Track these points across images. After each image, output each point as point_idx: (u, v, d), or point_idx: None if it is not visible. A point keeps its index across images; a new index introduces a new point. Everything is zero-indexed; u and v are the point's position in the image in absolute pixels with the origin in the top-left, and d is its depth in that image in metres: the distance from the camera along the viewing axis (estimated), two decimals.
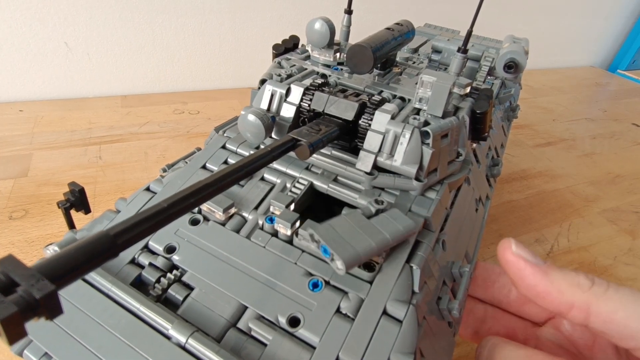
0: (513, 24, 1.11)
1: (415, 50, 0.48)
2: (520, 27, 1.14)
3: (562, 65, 1.29)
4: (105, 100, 0.74)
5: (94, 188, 0.52)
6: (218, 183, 0.17)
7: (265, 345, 0.20)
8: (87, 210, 0.26)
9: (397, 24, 0.32)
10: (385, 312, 0.20)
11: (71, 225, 0.26)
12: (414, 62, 0.42)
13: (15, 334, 0.10)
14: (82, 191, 0.25)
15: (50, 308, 0.11)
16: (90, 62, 0.72)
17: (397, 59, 0.42)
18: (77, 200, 0.25)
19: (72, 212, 0.26)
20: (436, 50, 0.36)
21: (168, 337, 0.19)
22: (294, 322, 0.20)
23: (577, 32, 1.26)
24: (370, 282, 0.22)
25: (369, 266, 0.22)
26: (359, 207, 0.25)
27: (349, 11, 0.36)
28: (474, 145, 0.35)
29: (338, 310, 0.21)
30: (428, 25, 0.64)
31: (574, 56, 1.31)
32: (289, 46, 0.35)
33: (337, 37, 0.35)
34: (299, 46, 0.36)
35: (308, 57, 0.34)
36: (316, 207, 0.29)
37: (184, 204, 0.15)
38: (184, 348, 0.19)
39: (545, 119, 0.90)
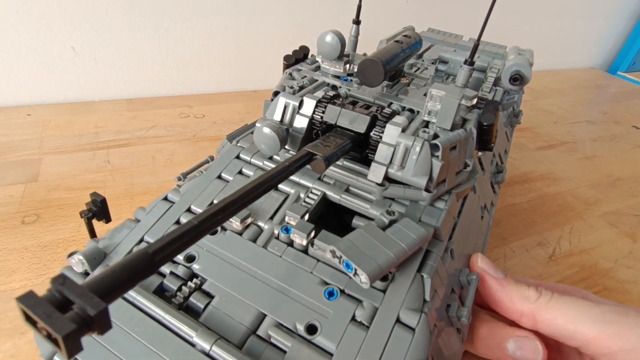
0: (514, 26, 1.12)
1: (420, 56, 0.49)
2: (522, 29, 1.14)
3: (562, 66, 1.30)
4: (112, 104, 0.74)
5: (103, 192, 0.52)
6: (243, 199, 0.18)
7: (285, 352, 0.21)
8: (107, 219, 0.27)
9: (405, 36, 0.33)
10: (398, 320, 0.21)
11: (92, 234, 0.27)
12: (419, 69, 0.43)
13: (73, 348, 0.11)
14: (104, 201, 0.26)
15: (103, 323, 0.11)
16: (96, 66, 0.73)
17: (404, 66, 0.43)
18: (98, 209, 0.26)
19: (95, 220, 0.27)
20: (443, 61, 0.37)
21: (192, 344, 0.20)
22: (311, 329, 0.21)
23: (577, 33, 1.27)
24: (384, 291, 0.22)
25: (382, 276, 0.23)
26: (373, 217, 0.26)
27: (357, 21, 0.37)
28: (480, 153, 0.36)
29: (353, 319, 0.22)
30: (431, 30, 0.65)
31: (575, 57, 1.32)
32: (299, 57, 0.36)
33: (346, 47, 0.36)
34: (309, 56, 0.37)
35: (318, 68, 0.35)
36: (327, 215, 0.30)
37: (212, 220, 0.16)
38: (208, 355, 0.20)
39: (546, 121, 0.91)
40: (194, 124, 0.71)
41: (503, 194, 0.63)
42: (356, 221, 0.27)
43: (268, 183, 0.20)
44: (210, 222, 0.16)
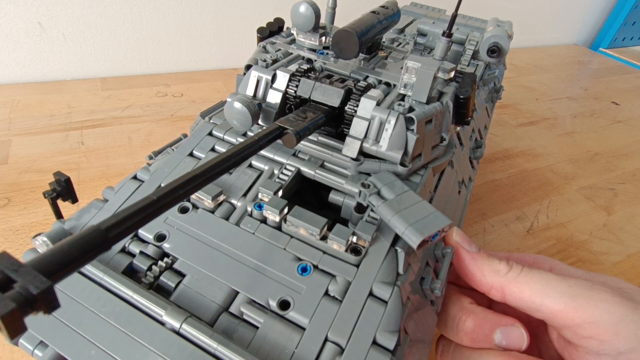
0: (498, 1, 1.11)
1: (402, 31, 0.48)
2: (505, 5, 1.13)
3: (545, 43, 1.30)
4: (85, 83, 0.71)
5: (77, 175, 0.51)
6: (206, 174, 0.17)
7: (257, 328, 0.21)
8: (74, 199, 0.26)
9: (383, 6, 0.32)
10: (371, 294, 0.21)
11: (58, 215, 0.26)
12: (400, 44, 0.42)
13: (15, 329, 0.10)
14: (68, 180, 0.25)
15: (48, 302, 0.11)
16: (66, 42, 0.70)
17: (384, 40, 0.42)
18: (63, 189, 0.25)
19: (59, 201, 0.26)
20: (421, 34, 0.36)
21: (162, 323, 0.20)
22: (284, 305, 0.21)
23: (560, 10, 1.26)
24: (357, 266, 0.22)
25: (355, 250, 0.23)
26: (348, 193, 0.26)
27: None
28: (458, 128, 0.36)
29: (326, 293, 0.21)
30: (414, 4, 0.63)
31: (557, 34, 1.32)
32: (273, 29, 0.34)
33: (323, 20, 0.35)
34: (284, 29, 0.36)
35: (293, 41, 0.34)
36: (304, 190, 0.30)
37: (173, 195, 0.16)
38: (178, 333, 0.19)
39: (528, 98, 0.91)
40: (171, 103, 0.69)
41: (484, 170, 0.64)
42: (333, 195, 0.27)
43: (235, 157, 0.19)
44: (171, 197, 0.15)
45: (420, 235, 0.21)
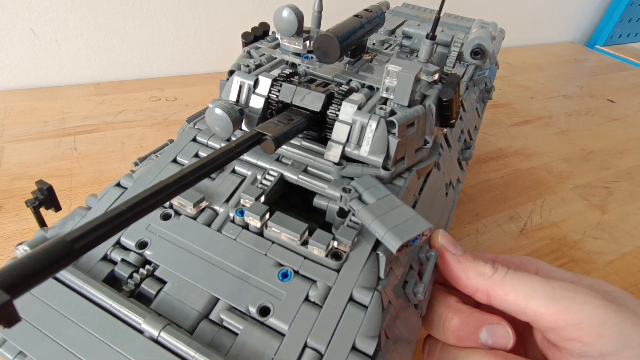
0: (492, 1, 1.11)
1: (392, 32, 0.48)
2: (499, 4, 1.13)
3: (540, 41, 1.29)
4: (78, 89, 0.72)
5: (70, 181, 0.51)
6: (180, 182, 0.17)
7: (237, 334, 0.20)
8: (57, 207, 0.26)
9: (366, 10, 0.32)
10: (351, 299, 0.21)
11: (42, 223, 0.26)
12: (390, 46, 0.42)
13: None
14: (50, 189, 0.25)
15: (6, 317, 0.11)
16: (59, 48, 0.70)
17: (374, 42, 0.42)
18: (46, 198, 0.25)
19: (43, 209, 0.26)
20: (407, 36, 0.36)
21: (141, 332, 0.20)
22: (264, 311, 0.21)
23: (555, 7, 1.26)
24: (338, 271, 0.22)
25: (336, 255, 0.23)
26: (331, 197, 0.26)
27: None
28: (445, 130, 0.36)
29: (306, 299, 0.21)
30: (406, 5, 0.63)
31: (553, 32, 1.32)
32: (258, 34, 0.34)
33: (309, 23, 0.35)
34: (270, 34, 0.36)
35: (278, 45, 0.34)
36: (289, 195, 0.30)
37: (143, 205, 0.16)
38: (156, 341, 0.19)
39: (523, 97, 0.91)
40: (165, 108, 0.69)
41: (477, 170, 0.64)
42: (317, 200, 0.27)
43: (210, 165, 0.19)
44: (141, 207, 0.15)
45: (399, 239, 0.21)
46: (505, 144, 0.72)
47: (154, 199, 0.16)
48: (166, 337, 0.19)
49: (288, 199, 0.30)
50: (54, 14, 0.66)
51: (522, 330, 0.28)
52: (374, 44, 0.42)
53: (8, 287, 0.11)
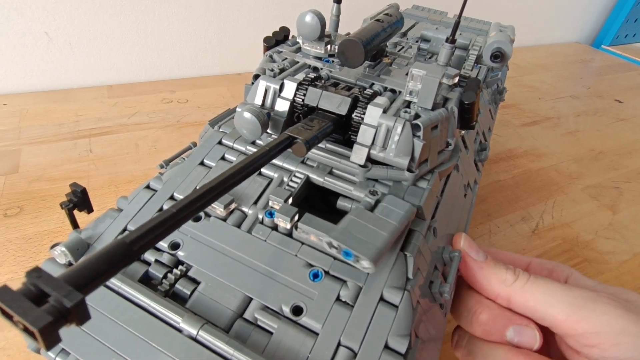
0: (498, 1, 1.11)
1: (404, 34, 0.48)
2: (506, 5, 1.13)
3: (547, 42, 1.30)
4: (91, 91, 0.72)
5: (87, 182, 0.52)
6: (222, 186, 0.18)
7: (271, 333, 0.21)
8: (89, 210, 0.26)
9: (386, 14, 0.33)
10: (382, 299, 0.22)
11: (75, 225, 0.26)
12: (403, 48, 0.42)
13: (51, 341, 0.11)
14: (84, 191, 0.25)
15: (80, 315, 0.12)
16: (72, 52, 0.71)
17: (387, 45, 0.43)
18: (79, 200, 0.25)
19: (76, 211, 0.27)
20: (425, 39, 0.37)
21: (179, 330, 0.20)
22: (297, 311, 0.22)
23: (562, 8, 1.26)
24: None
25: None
26: (357, 199, 0.27)
27: (338, 0, 0.36)
28: (463, 132, 0.36)
29: (338, 299, 0.22)
30: (416, 7, 0.64)
31: (559, 32, 1.32)
32: (279, 38, 0.35)
33: (327, 27, 0.35)
34: (290, 37, 0.37)
35: (299, 49, 0.35)
36: (312, 197, 0.30)
37: (191, 208, 0.16)
38: (195, 340, 0.20)
39: (531, 97, 0.92)
40: (177, 110, 0.70)
41: (488, 171, 0.64)
42: (341, 202, 0.28)
43: (248, 168, 0.19)
44: (189, 209, 0.16)
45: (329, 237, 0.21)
46: (515, 144, 0.73)
47: (200, 201, 0.17)
48: (205, 336, 0.20)
49: (309, 201, 0.31)
50: (68, 18, 0.67)
51: (545, 330, 0.29)
52: (387, 47, 0.42)
53: (80, 286, 0.12)
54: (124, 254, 0.14)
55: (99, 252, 0.13)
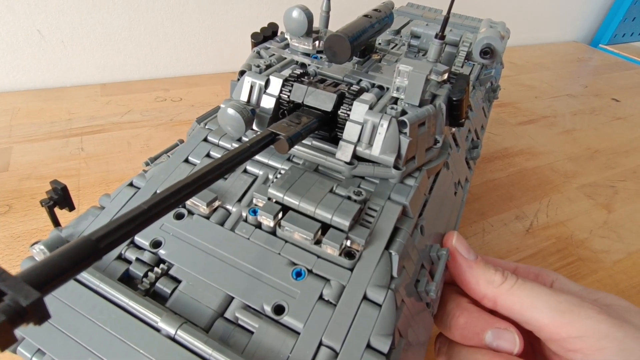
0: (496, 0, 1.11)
1: (398, 32, 0.48)
2: (503, 3, 1.13)
3: (545, 40, 1.29)
4: (84, 90, 0.72)
5: (77, 181, 0.51)
6: (197, 182, 0.17)
7: (252, 333, 0.21)
8: (71, 207, 0.26)
9: (375, 10, 0.32)
10: (365, 297, 0.22)
11: (56, 223, 0.26)
12: (396, 45, 0.42)
13: (6, 341, 0.11)
14: (64, 189, 0.25)
15: (38, 314, 0.11)
16: (65, 49, 0.70)
17: (379, 42, 0.42)
18: (60, 198, 0.25)
19: (57, 209, 0.26)
20: (415, 36, 0.37)
21: (158, 330, 0.20)
22: (278, 310, 0.21)
23: (559, 6, 1.26)
24: (351, 269, 0.23)
25: (349, 254, 0.23)
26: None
27: None
28: (454, 129, 0.36)
29: (321, 297, 0.22)
30: (411, 5, 0.63)
31: (557, 31, 1.31)
32: (267, 35, 0.34)
33: (316, 23, 0.35)
34: (278, 34, 0.36)
35: (287, 46, 0.34)
36: None
37: (164, 205, 0.16)
38: (173, 339, 0.20)
39: (527, 96, 0.91)
40: (170, 108, 0.69)
41: (483, 170, 0.64)
42: None
43: (226, 165, 0.19)
44: (162, 206, 0.16)
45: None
46: (510, 143, 0.72)
47: (174, 198, 0.16)
48: (183, 336, 0.19)
49: None
50: (61, 15, 0.67)
51: (533, 335, 0.29)
52: (379, 43, 0.42)
53: (39, 285, 0.11)
54: (90, 251, 0.13)
55: (62, 250, 0.13)
